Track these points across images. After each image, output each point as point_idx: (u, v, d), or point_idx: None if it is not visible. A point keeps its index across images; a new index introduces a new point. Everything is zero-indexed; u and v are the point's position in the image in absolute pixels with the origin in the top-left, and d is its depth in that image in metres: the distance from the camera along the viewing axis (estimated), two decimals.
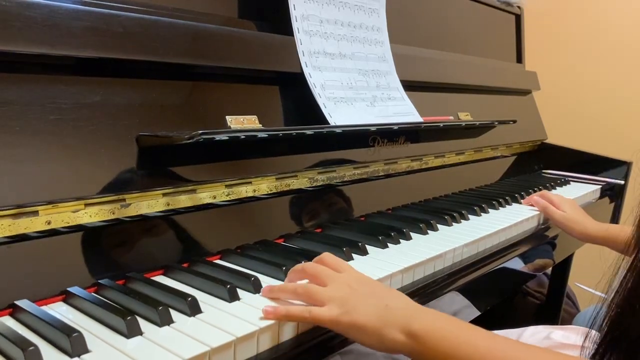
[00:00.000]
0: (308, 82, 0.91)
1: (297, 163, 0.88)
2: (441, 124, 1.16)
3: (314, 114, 0.91)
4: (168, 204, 0.71)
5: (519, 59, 1.77)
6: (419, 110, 1.10)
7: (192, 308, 0.57)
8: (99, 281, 0.62)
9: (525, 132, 1.63)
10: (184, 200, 0.73)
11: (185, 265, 0.70)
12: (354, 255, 0.77)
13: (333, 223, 0.92)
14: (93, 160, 0.64)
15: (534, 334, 0.97)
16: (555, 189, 1.43)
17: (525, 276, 1.10)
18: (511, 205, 1.18)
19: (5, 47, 0.57)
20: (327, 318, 0.56)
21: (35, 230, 0.59)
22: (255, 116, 0.82)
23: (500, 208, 1.13)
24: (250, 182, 0.81)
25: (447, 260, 0.82)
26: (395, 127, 1.02)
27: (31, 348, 0.46)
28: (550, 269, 1.59)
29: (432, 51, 1.34)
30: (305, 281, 0.62)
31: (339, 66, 0.98)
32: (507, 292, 1.41)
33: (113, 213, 0.65)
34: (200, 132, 0.66)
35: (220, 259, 0.75)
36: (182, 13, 0.80)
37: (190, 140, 0.65)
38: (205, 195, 0.75)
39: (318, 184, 0.92)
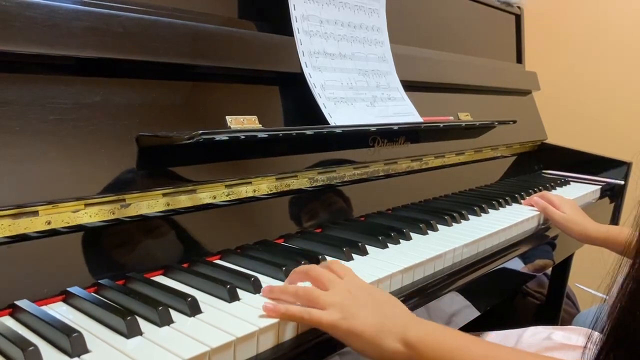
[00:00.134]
0: (308, 82, 0.91)
1: (297, 163, 0.88)
2: (441, 124, 1.16)
3: (314, 114, 0.91)
4: (168, 204, 0.71)
5: (519, 59, 1.77)
6: (419, 110, 1.10)
7: (192, 308, 0.57)
8: (99, 281, 0.62)
9: (525, 132, 1.63)
10: (184, 201, 0.73)
11: (185, 265, 0.70)
12: (354, 256, 0.77)
13: (333, 223, 0.92)
14: (93, 160, 0.64)
15: (535, 335, 0.97)
16: (555, 189, 1.43)
17: (525, 276, 1.10)
18: (511, 205, 1.18)
19: (5, 47, 0.57)
20: (326, 322, 0.56)
21: (35, 230, 0.59)
22: (255, 116, 0.82)
23: (500, 208, 1.13)
24: (250, 182, 0.81)
25: (447, 260, 0.82)
26: (395, 127, 1.02)
27: (31, 348, 0.46)
28: (550, 269, 1.59)
29: (432, 51, 1.34)
30: (305, 283, 0.63)
31: (339, 66, 0.98)
32: (507, 293, 1.41)
33: (113, 213, 0.65)
34: (200, 132, 0.66)
35: (220, 259, 0.75)
36: (182, 13, 0.80)
37: (190, 141, 0.65)
38: (205, 195, 0.75)
39: (318, 184, 0.92)
